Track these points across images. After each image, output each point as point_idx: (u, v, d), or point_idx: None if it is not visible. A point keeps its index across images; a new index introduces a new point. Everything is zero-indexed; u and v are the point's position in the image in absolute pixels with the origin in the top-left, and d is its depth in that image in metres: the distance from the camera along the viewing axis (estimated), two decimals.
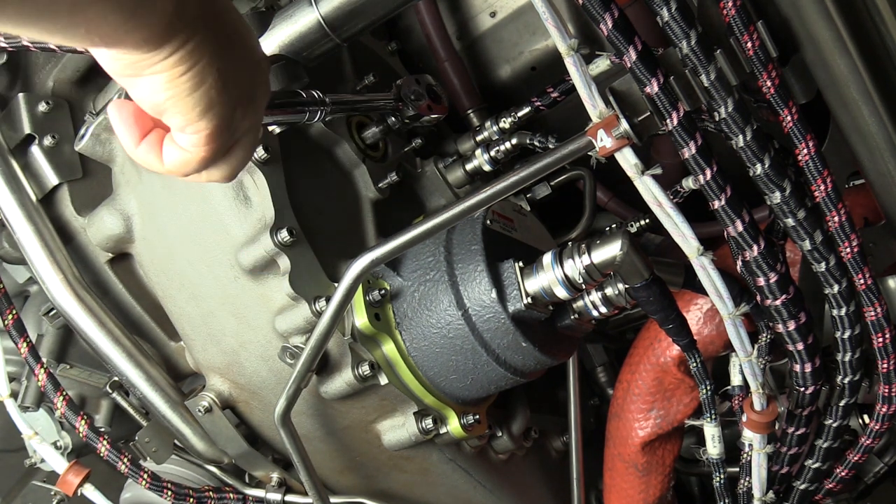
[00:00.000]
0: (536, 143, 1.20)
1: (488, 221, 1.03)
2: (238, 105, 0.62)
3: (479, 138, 1.27)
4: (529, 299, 0.97)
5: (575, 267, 0.94)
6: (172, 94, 0.58)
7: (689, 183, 0.82)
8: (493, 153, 1.22)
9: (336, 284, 0.95)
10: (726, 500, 1.10)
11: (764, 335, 1.04)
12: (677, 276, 1.09)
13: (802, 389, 0.93)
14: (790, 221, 0.81)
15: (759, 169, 0.79)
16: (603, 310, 0.98)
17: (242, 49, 0.62)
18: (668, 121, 0.77)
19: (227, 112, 0.61)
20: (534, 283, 0.97)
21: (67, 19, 0.49)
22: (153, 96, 0.58)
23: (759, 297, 0.87)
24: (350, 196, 1.13)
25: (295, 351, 0.99)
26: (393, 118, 1.13)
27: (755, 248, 0.82)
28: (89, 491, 1.23)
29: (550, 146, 1.18)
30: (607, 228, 1.31)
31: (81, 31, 0.51)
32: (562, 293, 0.95)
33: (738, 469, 1.06)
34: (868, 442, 1.00)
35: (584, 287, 0.96)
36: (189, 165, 0.64)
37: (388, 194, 1.14)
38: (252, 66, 0.64)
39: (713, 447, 1.07)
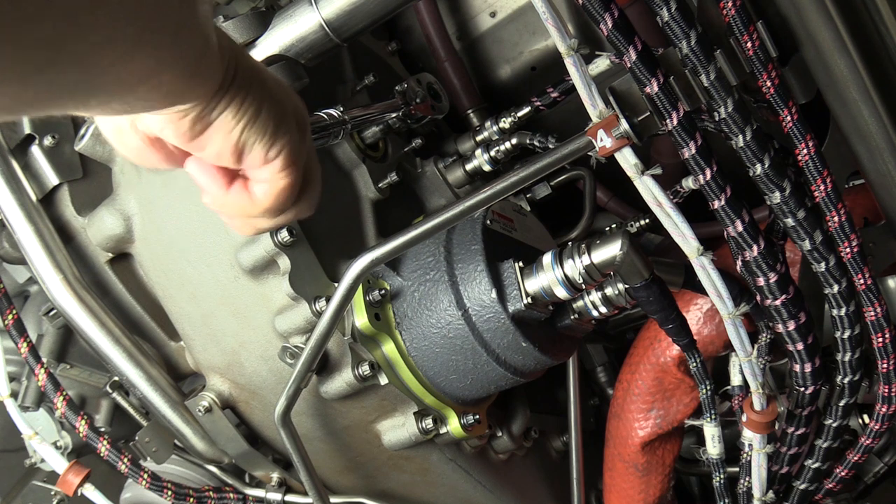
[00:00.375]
0: (536, 143, 1.20)
1: (488, 221, 1.03)
2: (296, 123, 0.63)
3: (479, 138, 1.27)
4: (529, 299, 0.97)
5: (575, 267, 0.94)
6: (244, 124, 0.59)
7: (689, 183, 0.82)
8: (493, 153, 1.22)
9: (336, 284, 0.95)
10: (726, 500, 1.10)
11: (764, 335, 1.04)
12: (677, 276, 1.09)
13: (802, 389, 0.93)
14: (790, 221, 0.81)
15: (759, 169, 0.79)
16: (603, 310, 0.98)
17: (268, 74, 0.64)
18: (668, 121, 0.77)
19: (292, 126, 0.63)
20: (534, 283, 0.97)
21: (148, 90, 0.50)
22: (229, 137, 0.59)
23: (759, 297, 0.87)
24: (350, 196, 1.13)
25: (295, 351, 0.99)
26: (393, 118, 1.13)
27: (755, 248, 0.82)
28: (89, 491, 1.23)
29: (550, 146, 1.18)
30: (607, 228, 1.31)
31: (161, 94, 0.52)
32: (562, 293, 0.95)
33: (738, 469, 1.06)
34: (868, 442, 1.00)
35: (584, 287, 0.96)
36: (281, 193, 0.65)
37: (388, 194, 1.14)
38: (283, 86, 0.65)
39: (713, 447, 1.07)
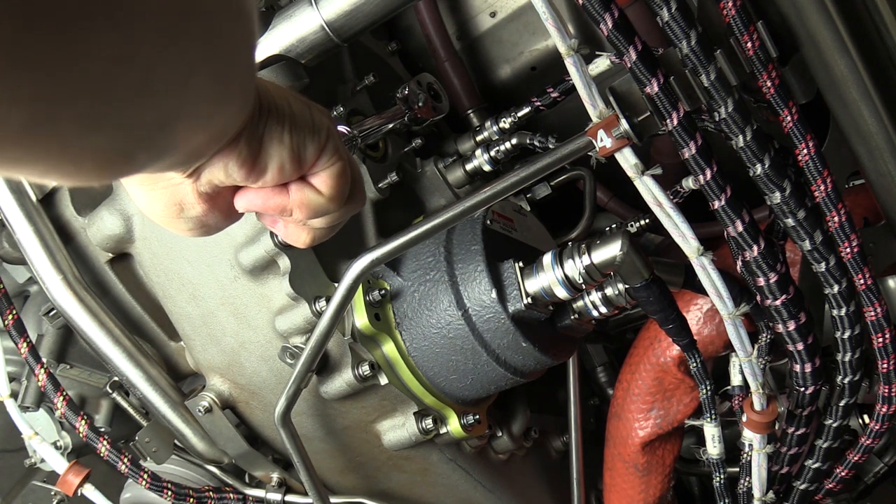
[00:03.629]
0: (536, 143, 1.19)
1: (488, 221, 1.03)
2: (319, 111, 0.64)
3: (479, 138, 1.27)
4: (529, 299, 0.97)
5: (575, 267, 0.94)
6: (290, 125, 0.59)
7: (689, 183, 0.82)
8: (493, 153, 1.22)
9: (336, 284, 0.95)
10: (726, 500, 1.10)
11: (764, 335, 1.04)
12: (677, 276, 1.09)
13: (802, 389, 0.93)
14: (790, 221, 0.81)
15: (759, 169, 0.79)
16: (603, 310, 0.98)
17: (266, 80, 0.65)
18: (668, 121, 0.77)
19: (321, 115, 0.63)
20: (534, 283, 0.97)
21: (213, 127, 0.51)
22: (283, 142, 0.59)
23: (759, 297, 0.87)
24: None
25: (295, 351, 0.99)
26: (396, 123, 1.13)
27: (755, 248, 0.82)
28: (89, 491, 1.23)
29: (550, 146, 1.18)
30: (607, 228, 1.31)
31: (220, 130, 0.53)
32: (562, 293, 0.95)
33: (738, 469, 1.06)
34: (868, 442, 1.00)
35: (584, 287, 0.96)
36: (339, 177, 0.64)
37: (388, 194, 1.14)
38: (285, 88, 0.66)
39: (713, 447, 1.07)
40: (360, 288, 1.00)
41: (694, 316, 1.16)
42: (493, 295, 0.97)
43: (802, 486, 1.04)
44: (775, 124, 0.80)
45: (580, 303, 1.00)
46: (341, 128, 0.96)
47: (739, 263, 0.87)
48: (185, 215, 0.62)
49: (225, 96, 0.48)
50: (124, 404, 1.27)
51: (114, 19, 0.34)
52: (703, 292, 0.89)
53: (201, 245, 1.03)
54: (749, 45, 0.75)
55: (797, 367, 0.90)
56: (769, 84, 0.77)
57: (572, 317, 1.02)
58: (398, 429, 1.07)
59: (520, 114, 1.22)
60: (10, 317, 1.17)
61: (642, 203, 0.81)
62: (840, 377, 0.93)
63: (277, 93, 0.60)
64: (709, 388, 1.00)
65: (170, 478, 1.25)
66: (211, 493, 1.23)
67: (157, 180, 0.59)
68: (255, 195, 0.63)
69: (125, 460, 1.16)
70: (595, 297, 0.98)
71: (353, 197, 0.68)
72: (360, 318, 1.00)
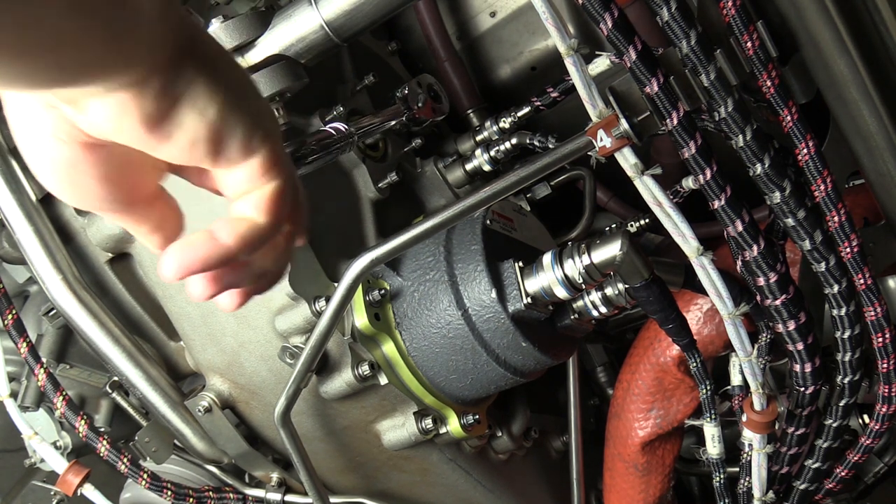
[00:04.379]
0: (536, 143, 1.19)
1: (488, 221, 1.03)
2: (264, 103, 0.55)
3: (478, 138, 1.27)
4: (529, 299, 0.97)
5: (575, 267, 0.94)
6: (221, 100, 0.49)
7: (689, 183, 0.82)
8: (492, 153, 1.22)
9: (336, 284, 0.95)
10: (726, 500, 1.10)
11: (764, 335, 1.04)
12: (677, 276, 1.09)
13: (802, 389, 0.93)
14: (790, 221, 0.81)
15: (759, 169, 0.79)
16: (603, 310, 0.98)
17: (236, 62, 0.56)
18: (668, 121, 0.77)
19: (273, 117, 0.54)
20: (534, 283, 0.97)
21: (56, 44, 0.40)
22: (204, 115, 0.48)
23: (759, 297, 0.87)
24: (350, 196, 1.13)
25: (295, 351, 0.99)
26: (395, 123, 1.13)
27: (755, 248, 0.82)
28: (89, 491, 1.23)
29: (550, 146, 1.18)
30: (607, 228, 1.31)
31: (76, 54, 0.42)
32: (562, 293, 0.95)
33: (738, 469, 1.06)
34: (868, 442, 1.00)
35: (584, 287, 0.96)
36: (274, 196, 0.54)
37: (388, 194, 1.14)
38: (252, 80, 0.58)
39: (713, 447, 1.07)
40: (360, 288, 1.00)
41: (694, 316, 1.16)
42: (493, 295, 0.97)
43: (802, 486, 1.04)
44: (775, 124, 0.80)
45: (580, 303, 1.00)
46: (338, 125, 0.96)
47: (739, 263, 0.87)
48: (48, 152, 0.50)
49: None
50: (124, 404, 1.27)
51: None
52: (703, 292, 0.89)
53: None
54: (749, 44, 0.75)
55: (797, 367, 0.90)
56: (769, 84, 0.77)
57: (572, 317, 1.02)
58: (398, 429, 1.07)
59: (520, 114, 1.22)
60: (10, 317, 1.17)
61: (642, 203, 0.81)
62: (840, 377, 0.93)
63: (230, 64, 0.51)
64: (709, 388, 1.00)
65: (170, 478, 1.25)
66: (211, 493, 1.23)
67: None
68: (188, 256, 0.55)
69: (125, 460, 1.16)
70: (595, 296, 0.98)
71: (293, 224, 0.57)
72: (359, 318, 1.00)
